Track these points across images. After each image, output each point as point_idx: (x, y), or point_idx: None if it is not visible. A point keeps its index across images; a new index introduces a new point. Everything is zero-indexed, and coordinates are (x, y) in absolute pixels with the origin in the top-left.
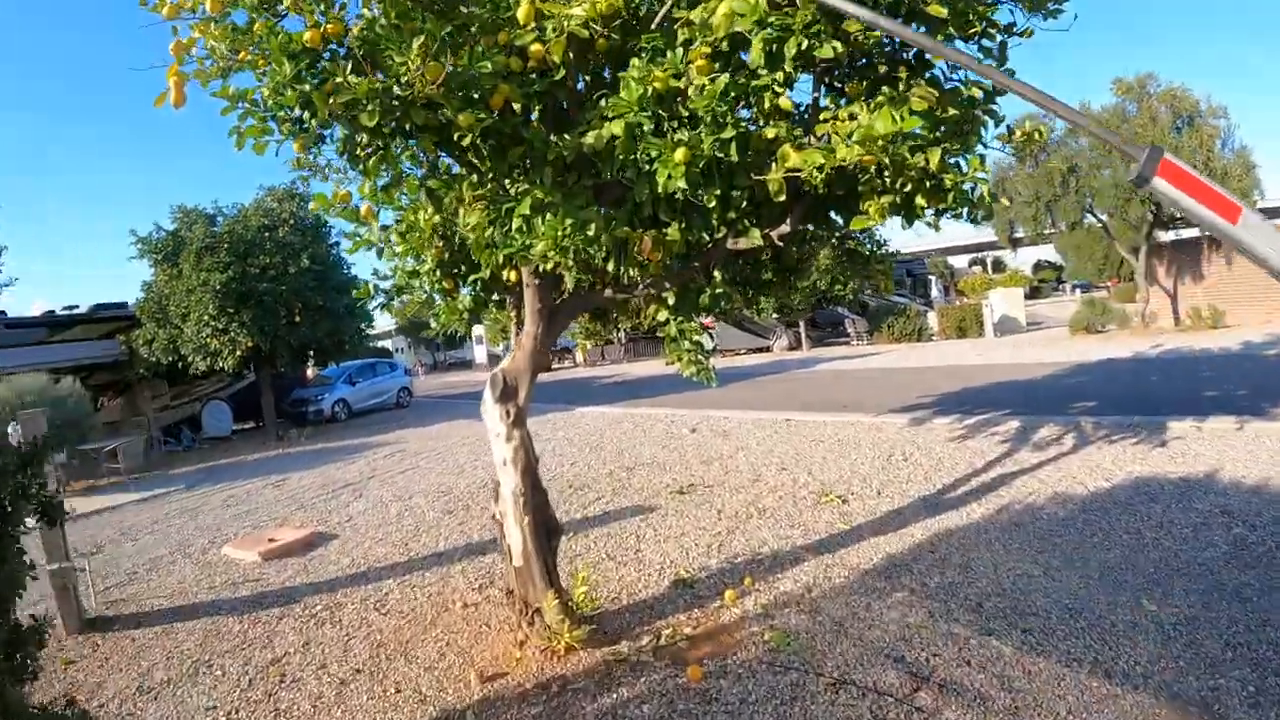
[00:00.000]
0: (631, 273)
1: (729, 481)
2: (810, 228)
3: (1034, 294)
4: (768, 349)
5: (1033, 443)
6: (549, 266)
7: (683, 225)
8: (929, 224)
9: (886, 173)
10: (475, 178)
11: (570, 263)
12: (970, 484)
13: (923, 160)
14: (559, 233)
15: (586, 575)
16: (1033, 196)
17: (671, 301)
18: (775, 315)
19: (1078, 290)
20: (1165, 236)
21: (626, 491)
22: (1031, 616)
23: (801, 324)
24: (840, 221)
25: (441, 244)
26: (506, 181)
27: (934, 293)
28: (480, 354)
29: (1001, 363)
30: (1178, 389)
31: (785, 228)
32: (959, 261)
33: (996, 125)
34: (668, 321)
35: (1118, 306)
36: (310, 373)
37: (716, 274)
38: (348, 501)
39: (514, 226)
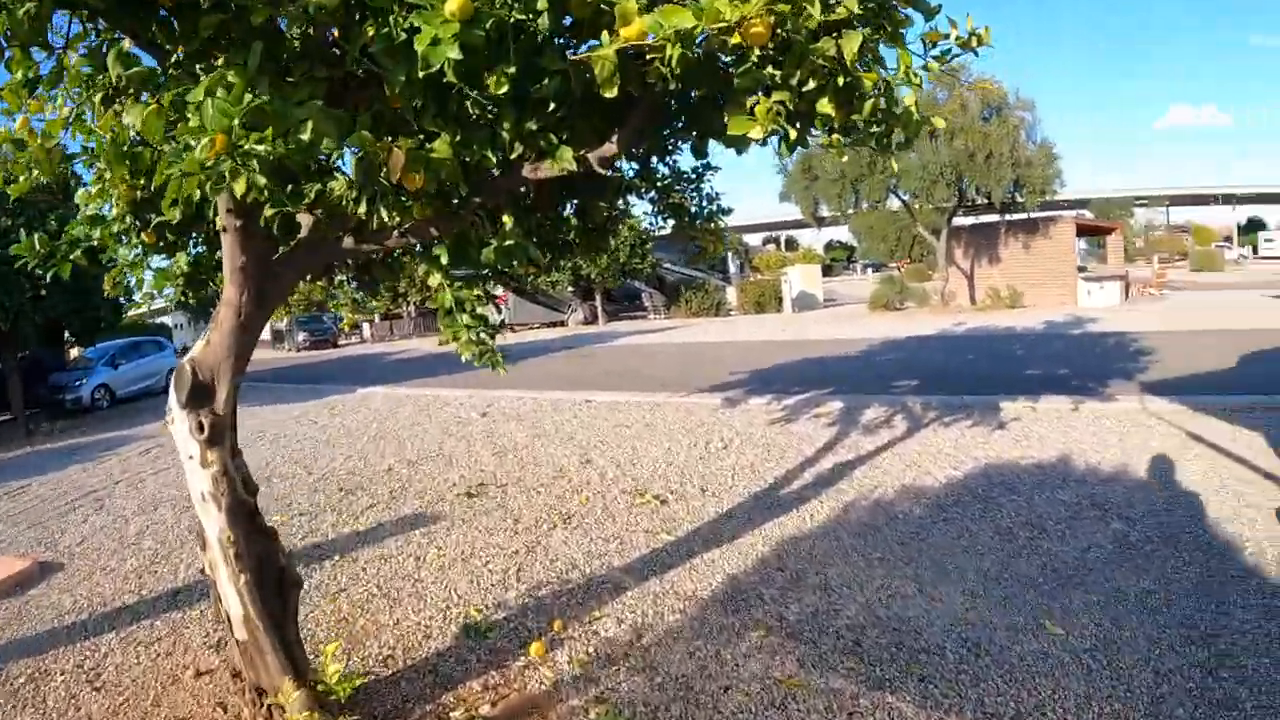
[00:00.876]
0: (385, 214)
1: (526, 479)
2: (634, 167)
3: (826, 272)
4: (563, 323)
5: (862, 425)
6: (251, 197)
7: (456, 136)
8: (829, 147)
9: (777, 68)
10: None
11: (263, 183)
12: (805, 477)
13: (833, 47)
14: (231, 123)
15: (336, 649)
16: (839, 176)
17: (445, 259)
18: (571, 288)
19: (869, 270)
20: (965, 221)
21: (407, 494)
22: (924, 655)
23: (598, 297)
24: (692, 144)
25: (130, 176)
26: (200, 68)
27: (731, 269)
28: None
29: (810, 339)
30: (998, 367)
31: (611, 146)
32: (753, 240)
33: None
34: (441, 288)
35: (916, 285)
36: (74, 354)
37: (507, 219)
38: (86, 516)
39: (192, 125)
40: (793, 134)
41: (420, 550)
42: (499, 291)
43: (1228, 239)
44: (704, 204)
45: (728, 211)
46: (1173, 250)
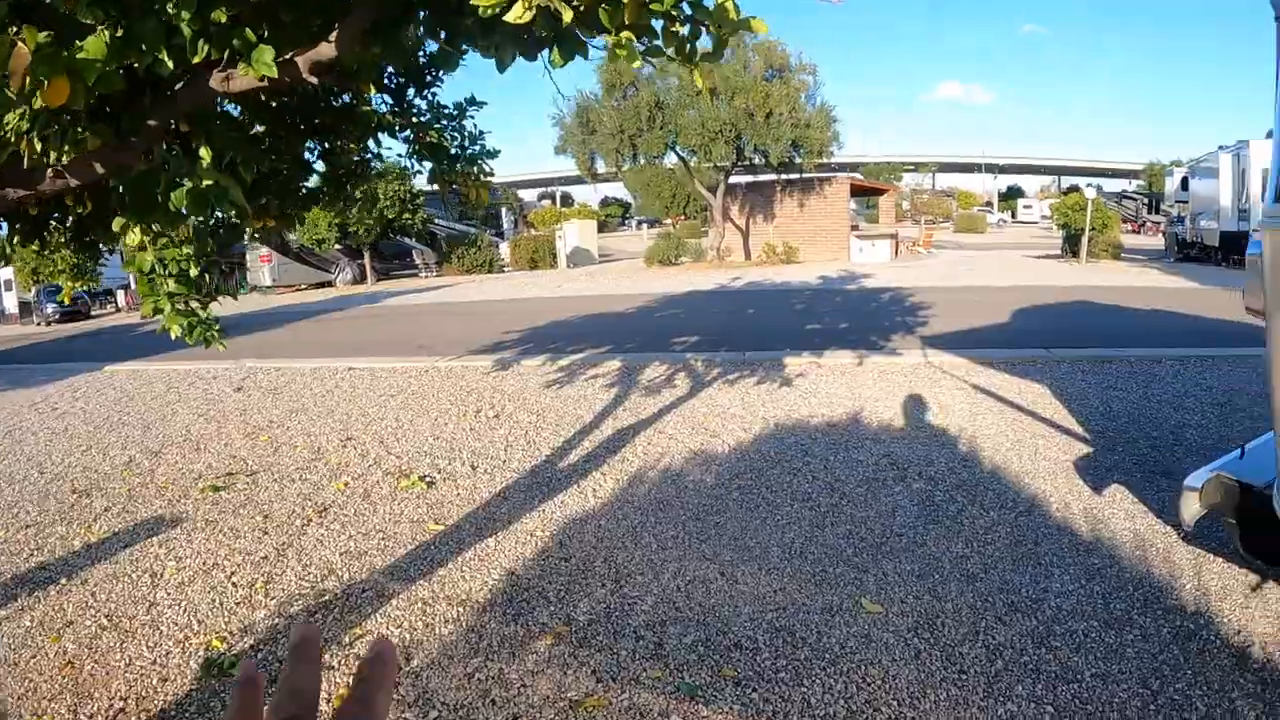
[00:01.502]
0: (20, 144)
1: (279, 464)
2: (387, 101)
3: (601, 228)
4: (330, 283)
5: (643, 386)
6: None
7: (117, 31)
8: (618, 50)
9: None
10: None
11: None
12: (585, 445)
13: None
14: None
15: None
16: (617, 129)
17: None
18: (338, 246)
19: (644, 226)
20: (742, 180)
21: (147, 492)
22: (736, 653)
23: (366, 255)
24: (438, 51)
25: None
26: None
27: (505, 225)
28: (10, 302)
29: (586, 294)
30: (779, 322)
31: (329, 47)
32: (529, 196)
33: None
34: (144, 247)
35: (692, 241)
36: None
37: (204, 152)
38: None
39: None
40: (566, 14)
41: (158, 564)
42: (263, 251)
43: (989, 204)
44: (466, 144)
45: (493, 154)
46: (939, 213)
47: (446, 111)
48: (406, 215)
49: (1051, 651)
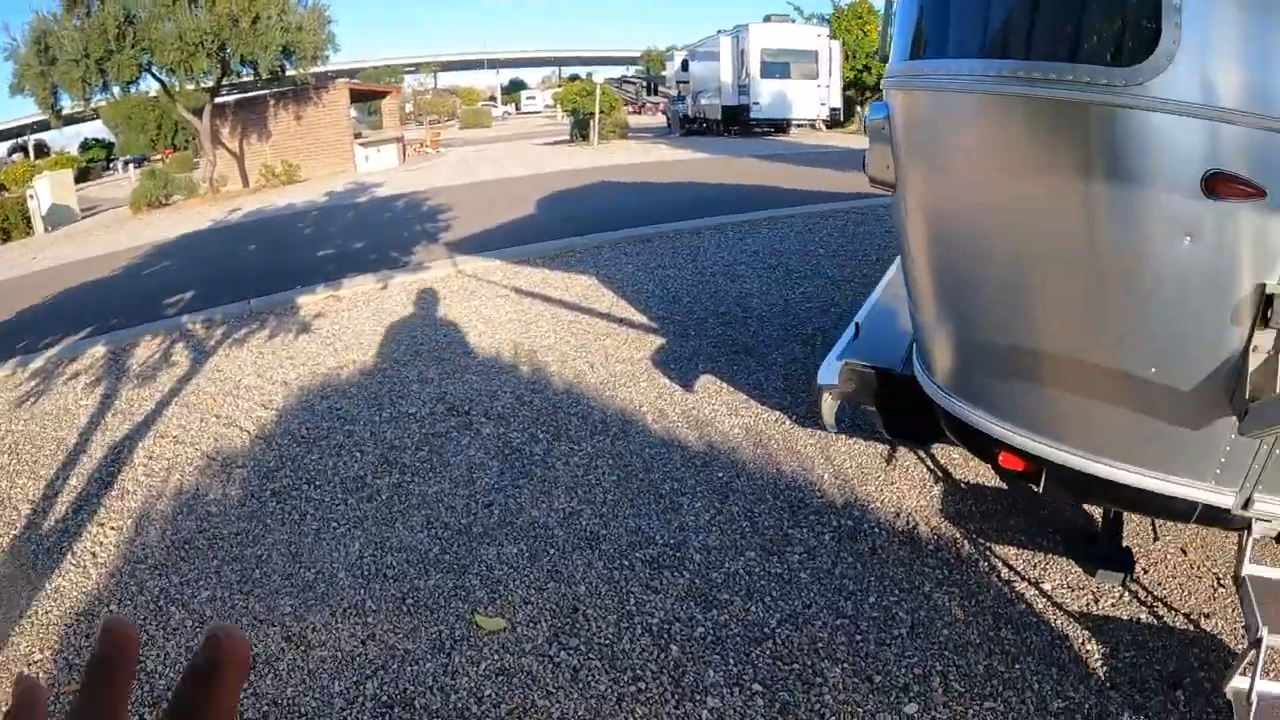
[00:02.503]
0: None
1: None
2: None
3: (83, 177)
4: None
5: (135, 374)
6: None
7: None
8: None
9: None
10: None
11: None
12: (73, 484)
13: None
14: None
15: None
16: (81, 54)
17: None
18: None
19: (131, 166)
20: (229, 97)
21: None
22: None
23: None
24: None
25: None
26: None
27: None
28: None
29: (61, 262)
30: (286, 256)
31: None
32: None
33: None
34: None
35: (182, 176)
36: None
37: None
38: None
39: None
40: None
41: None
42: None
43: (493, 98)
44: None
45: None
46: (443, 111)
47: None
48: None
49: (724, 610)
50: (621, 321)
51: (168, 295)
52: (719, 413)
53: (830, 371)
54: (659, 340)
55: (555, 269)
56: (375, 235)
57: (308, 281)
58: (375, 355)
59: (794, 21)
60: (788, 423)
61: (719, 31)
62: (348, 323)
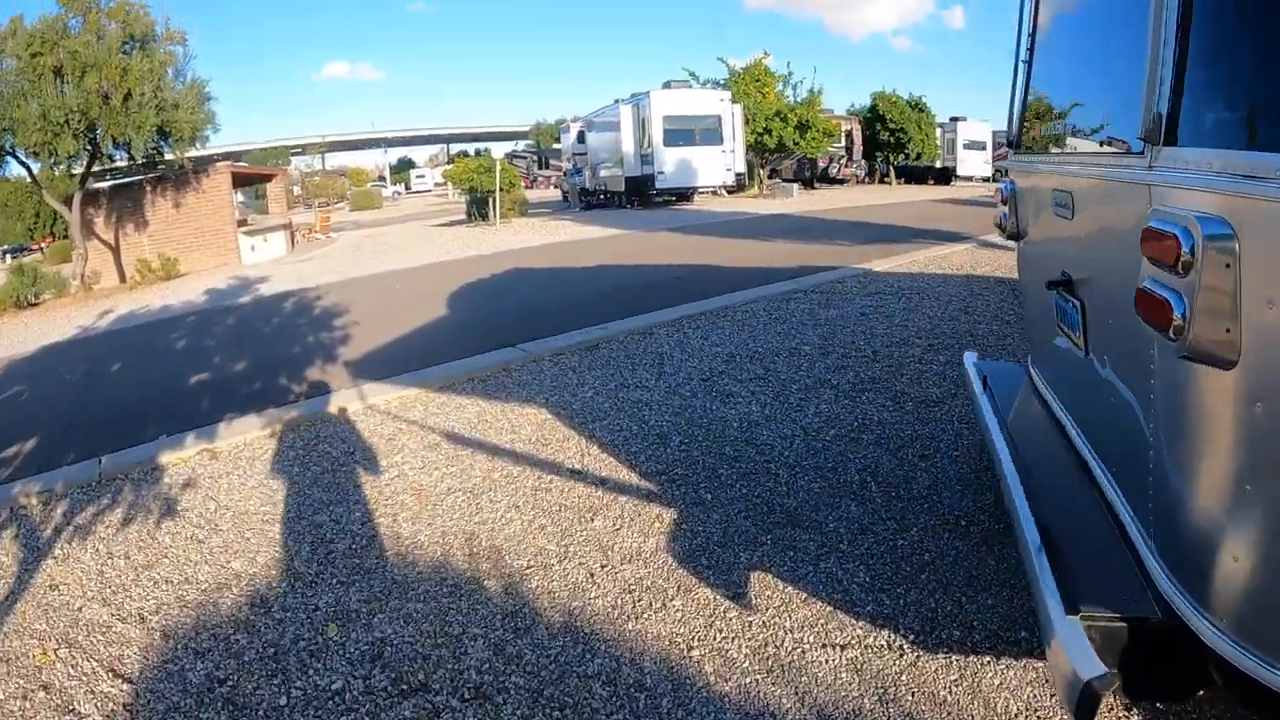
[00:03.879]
0: None
1: None
2: None
3: None
4: None
5: None
6: None
7: None
8: None
9: None
10: None
11: None
12: None
13: None
14: None
15: None
16: None
17: None
18: None
19: (8, 256)
20: (102, 184)
21: None
22: None
23: None
24: None
25: None
26: None
27: None
28: None
29: None
30: (153, 383)
31: None
32: None
33: None
34: None
35: (52, 271)
36: None
37: None
38: None
39: None
40: None
41: None
42: None
43: (382, 178)
44: None
45: None
46: (333, 193)
47: None
48: None
49: None
50: (604, 483)
51: (3, 444)
52: (807, 645)
53: (1085, 655)
54: (666, 513)
55: (492, 398)
56: (260, 350)
57: (177, 424)
58: (269, 563)
59: (692, 87)
60: (905, 648)
61: (617, 101)
62: (227, 499)
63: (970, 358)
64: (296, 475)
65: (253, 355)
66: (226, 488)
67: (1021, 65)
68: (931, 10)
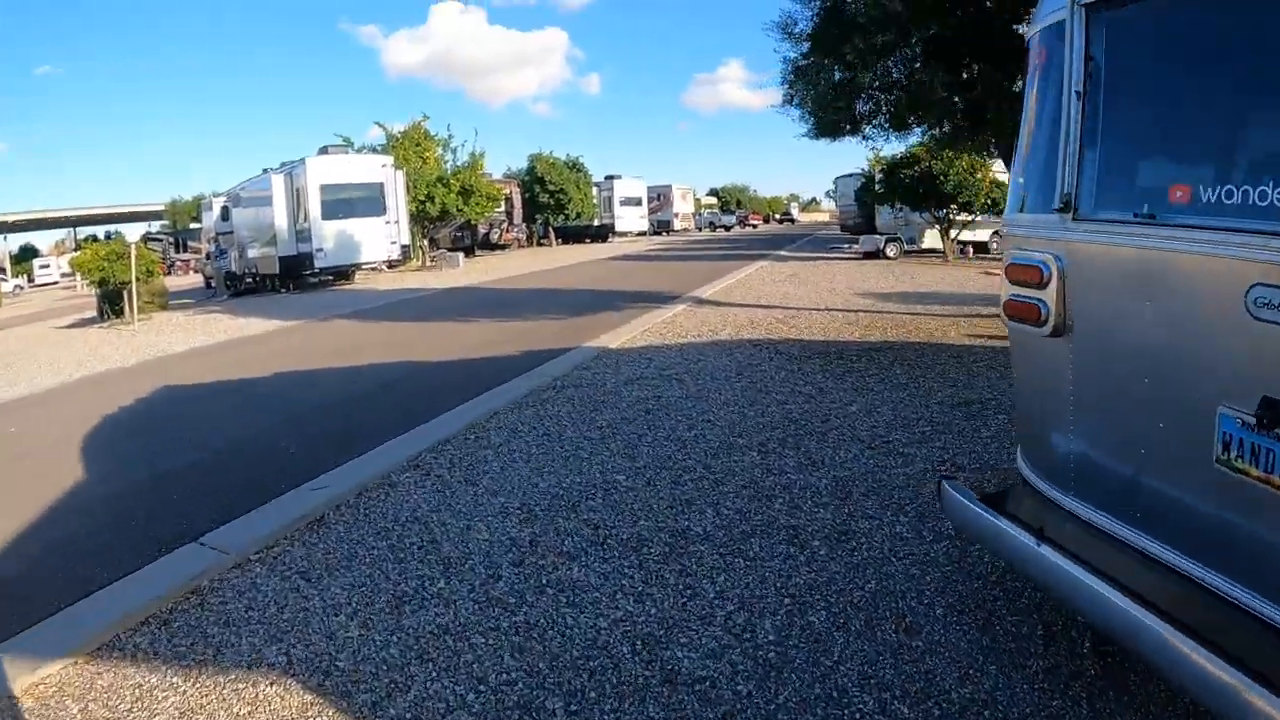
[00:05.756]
0: None
1: None
2: None
3: None
4: None
5: None
6: None
7: None
8: None
9: None
10: None
11: None
12: None
13: None
14: None
15: None
16: None
17: None
18: None
19: None
20: None
21: None
22: None
23: None
24: None
25: None
26: None
27: None
28: None
29: None
30: None
31: None
32: None
33: None
34: None
35: None
36: None
37: None
38: None
39: None
40: None
41: None
42: None
43: (3, 270)
44: None
45: None
46: None
47: None
48: None
49: None
50: None
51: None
52: None
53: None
54: None
55: (195, 669)
56: None
57: None
58: None
59: (349, 153)
60: None
61: (266, 170)
62: None
63: (950, 486)
64: None
65: None
66: None
67: (1074, 98)
68: (569, 78)
